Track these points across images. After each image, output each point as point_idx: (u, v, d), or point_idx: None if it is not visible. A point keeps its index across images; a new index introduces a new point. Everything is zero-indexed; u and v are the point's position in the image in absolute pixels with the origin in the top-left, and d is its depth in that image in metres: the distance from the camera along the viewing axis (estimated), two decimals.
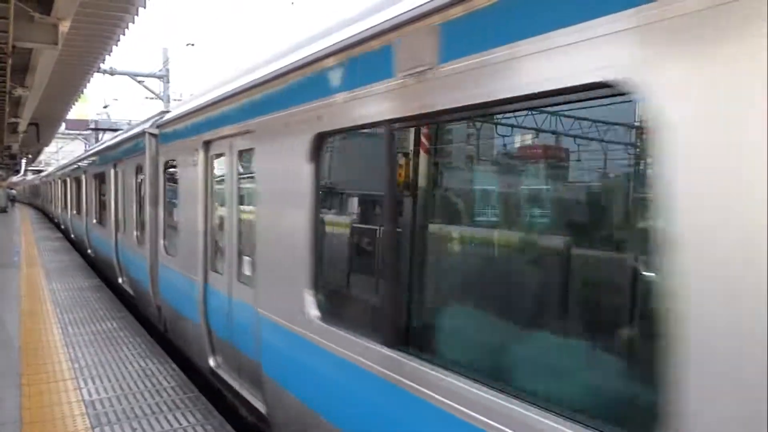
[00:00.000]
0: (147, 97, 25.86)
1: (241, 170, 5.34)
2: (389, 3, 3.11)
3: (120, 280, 11.50)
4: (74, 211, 20.23)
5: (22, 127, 19.17)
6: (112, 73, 22.23)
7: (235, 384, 5.37)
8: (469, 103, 2.54)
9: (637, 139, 2.33)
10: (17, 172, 58.72)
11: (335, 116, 3.51)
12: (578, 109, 2.43)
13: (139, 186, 9.51)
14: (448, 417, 2.59)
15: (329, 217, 4.18)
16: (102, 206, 13.80)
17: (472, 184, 3.29)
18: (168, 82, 24.33)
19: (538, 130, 2.74)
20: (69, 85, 15.59)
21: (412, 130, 3.12)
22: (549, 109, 2.54)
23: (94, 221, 14.96)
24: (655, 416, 1.84)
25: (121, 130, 16.18)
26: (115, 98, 51.29)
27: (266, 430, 4.80)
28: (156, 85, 24.71)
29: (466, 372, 2.60)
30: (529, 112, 2.63)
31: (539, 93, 2.21)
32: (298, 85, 4.01)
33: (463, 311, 3.11)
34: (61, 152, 57.86)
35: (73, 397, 5.62)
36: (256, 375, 4.76)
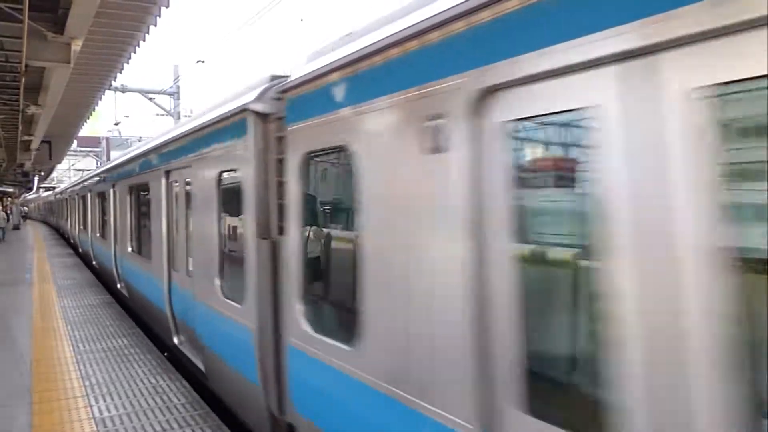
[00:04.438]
0: (158, 114, 26.12)
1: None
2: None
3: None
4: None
5: (34, 145, 19.40)
6: (123, 90, 22.49)
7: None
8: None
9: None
10: (30, 189, 59.37)
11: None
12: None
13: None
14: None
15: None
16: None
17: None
18: (178, 98, 24.57)
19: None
20: (81, 103, 15.77)
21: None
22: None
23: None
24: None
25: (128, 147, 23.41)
26: (126, 115, 51.76)
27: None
28: (167, 101, 24.97)
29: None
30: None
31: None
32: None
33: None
34: (73, 169, 58.30)
35: (83, 414, 5.60)
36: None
